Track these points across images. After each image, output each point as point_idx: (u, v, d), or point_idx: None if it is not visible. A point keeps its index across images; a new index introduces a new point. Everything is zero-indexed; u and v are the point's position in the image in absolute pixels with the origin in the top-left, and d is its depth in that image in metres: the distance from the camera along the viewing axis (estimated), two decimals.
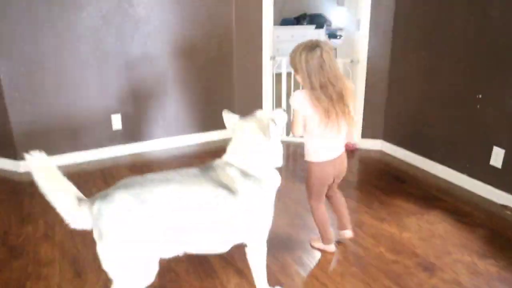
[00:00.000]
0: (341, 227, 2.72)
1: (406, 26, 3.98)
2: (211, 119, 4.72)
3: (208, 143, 4.74)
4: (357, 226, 2.95)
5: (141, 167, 4.11)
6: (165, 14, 4.25)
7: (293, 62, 2.29)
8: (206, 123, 4.75)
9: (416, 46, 3.90)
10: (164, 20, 4.26)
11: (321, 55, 2.19)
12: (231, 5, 4.50)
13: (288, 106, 2.51)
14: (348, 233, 2.73)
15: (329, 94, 2.22)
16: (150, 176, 1.89)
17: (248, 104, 4.67)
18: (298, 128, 2.36)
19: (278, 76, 4.73)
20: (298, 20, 9.38)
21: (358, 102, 4.36)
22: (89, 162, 4.23)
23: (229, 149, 2.08)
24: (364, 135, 4.48)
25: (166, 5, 4.23)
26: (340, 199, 2.69)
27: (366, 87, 4.31)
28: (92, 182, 3.77)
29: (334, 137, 2.37)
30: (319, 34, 9.34)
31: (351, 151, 4.40)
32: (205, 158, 4.23)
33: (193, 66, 4.52)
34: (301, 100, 2.28)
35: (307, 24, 9.34)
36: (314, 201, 2.55)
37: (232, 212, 1.94)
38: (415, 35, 3.90)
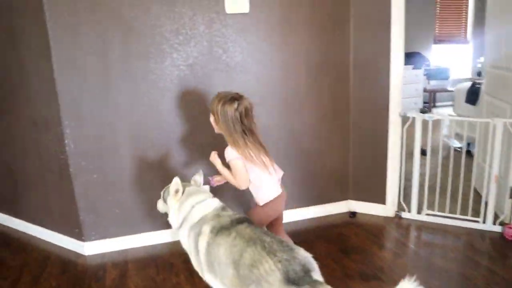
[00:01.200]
0: None
1: None
2: (323, 190, 3.79)
3: (319, 218, 3.78)
4: None
5: None
6: (266, 60, 3.38)
7: (212, 107, 2.48)
8: (316, 195, 3.81)
9: None
10: (264, 67, 3.39)
11: (237, 108, 2.38)
12: (347, 47, 3.56)
13: None
14: None
15: (247, 139, 2.43)
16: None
17: (367, 175, 3.77)
18: (245, 177, 2.45)
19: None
20: None
21: None
22: (168, 245, 3.37)
23: (198, 199, 2.34)
24: None
25: (266, 50, 3.37)
26: (289, 240, 2.69)
27: None
28: (175, 276, 2.90)
29: (268, 173, 2.49)
30: (417, 75, 8.30)
31: None
32: (326, 234, 3.32)
33: (299, 123, 3.60)
34: (234, 151, 2.42)
35: (404, 64, 8.29)
36: None
37: None
38: None
